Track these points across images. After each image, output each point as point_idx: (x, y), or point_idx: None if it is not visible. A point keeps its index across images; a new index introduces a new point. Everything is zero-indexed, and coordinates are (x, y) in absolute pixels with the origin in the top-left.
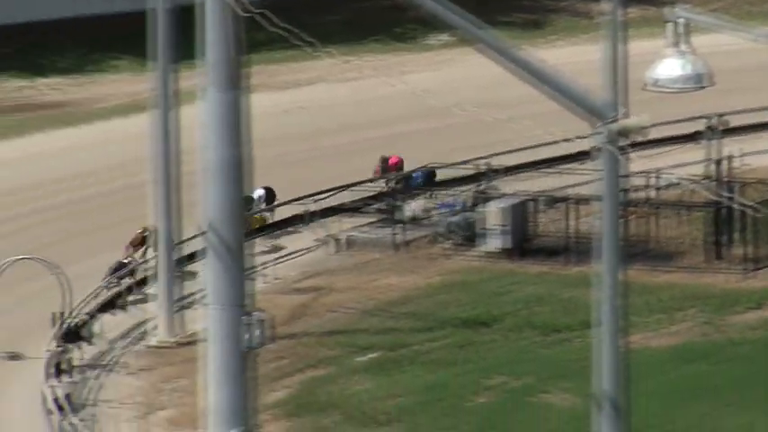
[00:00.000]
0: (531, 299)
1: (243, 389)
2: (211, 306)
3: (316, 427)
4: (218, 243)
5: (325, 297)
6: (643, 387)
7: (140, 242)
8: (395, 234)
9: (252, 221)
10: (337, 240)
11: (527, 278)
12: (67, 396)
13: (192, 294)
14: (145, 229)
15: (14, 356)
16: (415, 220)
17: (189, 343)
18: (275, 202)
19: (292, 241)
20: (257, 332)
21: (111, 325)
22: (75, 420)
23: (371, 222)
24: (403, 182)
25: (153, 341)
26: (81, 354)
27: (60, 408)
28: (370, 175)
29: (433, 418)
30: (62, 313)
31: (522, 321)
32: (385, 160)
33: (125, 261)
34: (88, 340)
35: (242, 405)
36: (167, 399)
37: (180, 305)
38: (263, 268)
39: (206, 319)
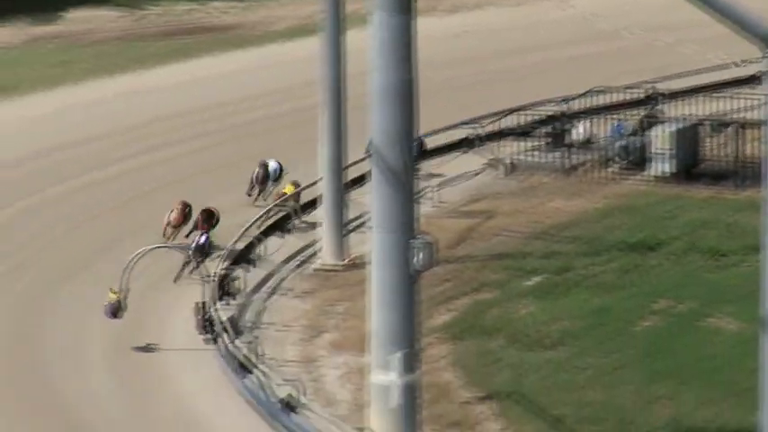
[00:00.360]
0: (697, 223)
1: (407, 312)
2: (377, 230)
3: (480, 350)
4: (384, 167)
5: (491, 221)
6: None
7: (181, 221)
8: (562, 158)
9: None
10: (504, 164)
11: (694, 202)
12: (232, 319)
13: (358, 218)
14: (186, 205)
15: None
16: (582, 144)
17: (354, 267)
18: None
19: (459, 165)
20: (423, 256)
21: (276, 248)
22: (239, 343)
23: (539, 146)
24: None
25: (318, 265)
26: (246, 277)
27: (226, 331)
28: (538, 100)
29: (598, 342)
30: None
31: (687, 246)
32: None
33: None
34: (254, 264)
35: (406, 328)
36: (332, 322)
37: (346, 229)
38: (429, 192)
39: (372, 243)
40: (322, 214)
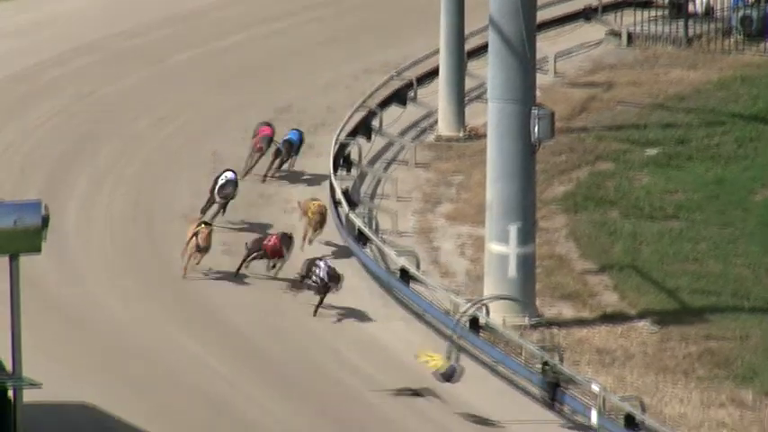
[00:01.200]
0: None
1: (525, 183)
2: (495, 100)
3: (596, 221)
4: (501, 37)
5: (610, 91)
6: None
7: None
8: (682, 28)
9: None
10: (624, 34)
11: None
12: (348, 190)
13: (477, 88)
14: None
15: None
16: (702, 15)
17: (472, 138)
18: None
19: (579, 36)
20: (541, 126)
21: (394, 119)
22: (354, 213)
23: (659, 16)
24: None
25: (436, 136)
26: (363, 147)
27: (347, 200)
28: None
29: (714, 214)
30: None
31: None
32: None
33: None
34: (373, 134)
35: (523, 199)
36: (448, 193)
37: (464, 100)
38: (547, 63)
39: (490, 114)
40: (441, 84)
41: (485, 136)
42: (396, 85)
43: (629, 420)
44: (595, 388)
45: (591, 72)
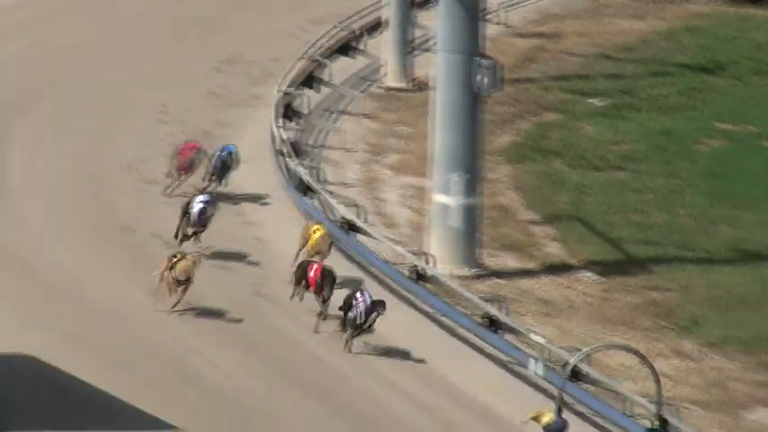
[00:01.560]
0: (763, 45)
1: (470, 134)
2: (442, 50)
3: (541, 172)
4: None
5: (557, 42)
6: None
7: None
8: None
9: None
10: None
11: (759, 24)
12: (293, 139)
13: (424, 40)
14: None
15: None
16: None
17: (418, 88)
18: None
19: None
20: (488, 76)
21: (341, 69)
22: (299, 163)
23: None
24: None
25: (383, 87)
26: (309, 98)
27: (291, 149)
28: None
29: (660, 165)
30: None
31: (753, 68)
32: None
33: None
34: (318, 85)
35: (468, 150)
36: (393, 144)
37: (411, 50)
38: (494, 13)
39: (436, 65)
40: (388, 35)
41: (432, 87)
42: (343, 36)
43: (574, 372)
44: (538, 339)
45: (538, 22)
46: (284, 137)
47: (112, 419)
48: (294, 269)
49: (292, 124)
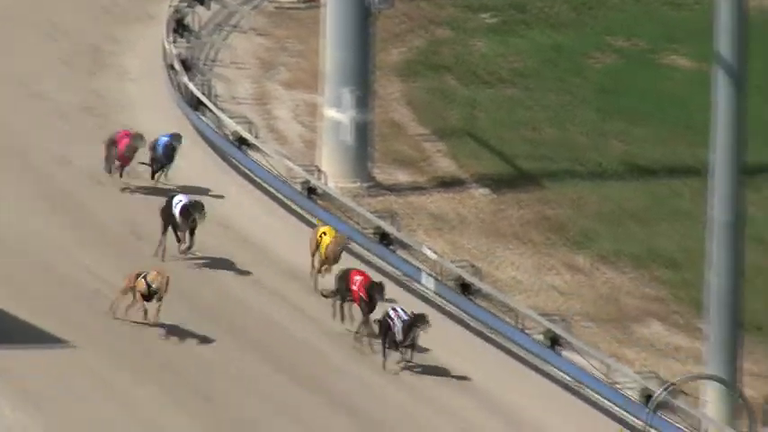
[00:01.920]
0: None
1: (361, 50)
2: None
3: (433, 87)
4: None
5: None
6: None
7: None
8: None
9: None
10: None
11: None
12: (184, 55)
13: None
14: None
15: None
16: None
17: (310, 5)
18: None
19: None
20: None
21: None
22: (191, 79)
23: None
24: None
25: (275, 3)
26: (200, 15)
27: (183, 65)
28: None
29: (552, 80)
30: None
31: None
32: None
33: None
34: (209, 1)
35: (360, 66)
36: (285, 60)
37: None
38: None
39: None
40: None
41: (323, 3)
42: None
43: (464, 286)
44: (429, 253)
45: None
46: (175, 52)
47: None
48: (335, 280)
49: (183, 41)
